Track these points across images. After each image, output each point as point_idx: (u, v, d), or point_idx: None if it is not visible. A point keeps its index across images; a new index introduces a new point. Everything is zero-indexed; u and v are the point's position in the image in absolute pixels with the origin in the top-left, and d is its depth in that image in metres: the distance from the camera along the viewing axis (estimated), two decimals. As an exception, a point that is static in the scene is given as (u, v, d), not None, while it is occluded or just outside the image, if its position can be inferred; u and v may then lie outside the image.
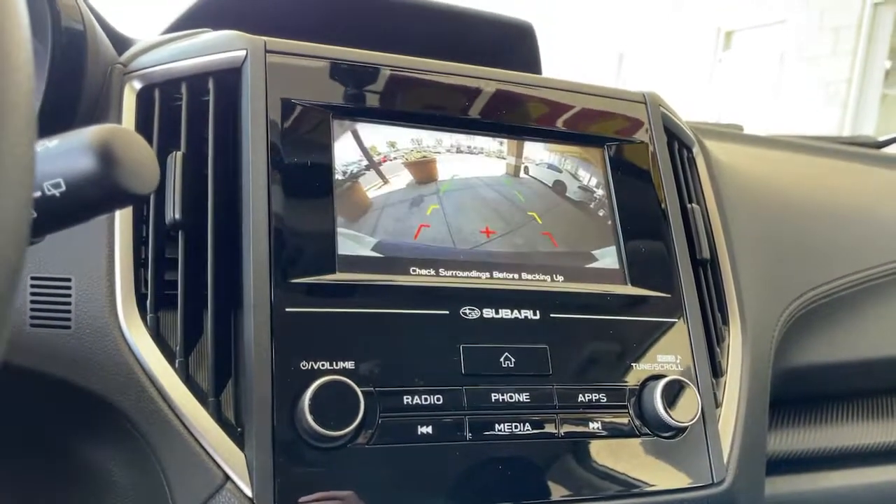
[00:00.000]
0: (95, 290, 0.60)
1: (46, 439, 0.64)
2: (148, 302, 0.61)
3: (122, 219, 0.63)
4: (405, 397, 0.60)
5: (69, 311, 0.60)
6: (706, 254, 0.77)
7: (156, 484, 0.59)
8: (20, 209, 0.30)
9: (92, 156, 0.41)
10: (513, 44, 0.98)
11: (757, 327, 0.80)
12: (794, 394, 0.87)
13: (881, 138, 1.57)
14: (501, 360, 0.63)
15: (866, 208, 1.05)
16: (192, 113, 0.66)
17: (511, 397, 0.63)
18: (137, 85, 0.67)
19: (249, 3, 0.89)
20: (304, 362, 0.58)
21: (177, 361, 0.59)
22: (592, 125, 0.75)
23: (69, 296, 0.60)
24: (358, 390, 0.56)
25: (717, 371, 0.73)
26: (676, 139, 0.82)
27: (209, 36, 0.69)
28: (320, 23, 0.87)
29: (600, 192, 0.74)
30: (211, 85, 0.66)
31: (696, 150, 0.85)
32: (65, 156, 0.41)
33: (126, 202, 0.45)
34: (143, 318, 0.60)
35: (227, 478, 0.55)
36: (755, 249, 0.85)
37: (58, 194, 0.42)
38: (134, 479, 0.62)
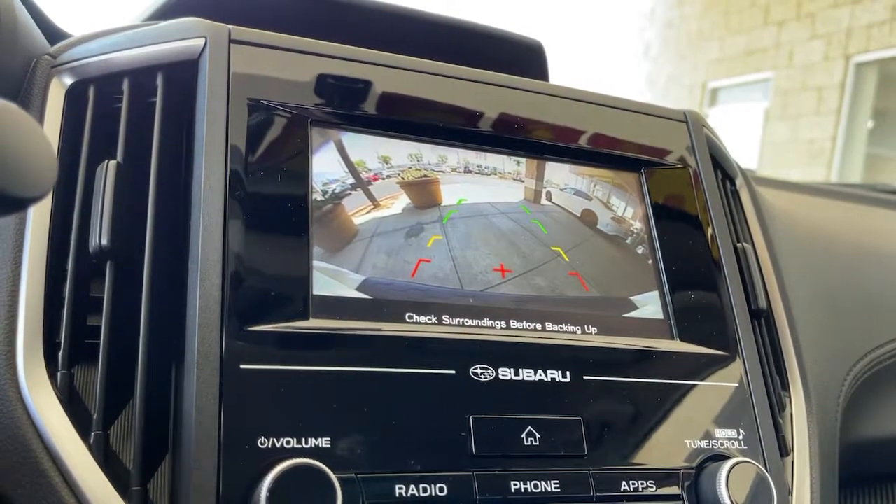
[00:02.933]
0: (-13, 337, 0.45)
1: None
2: (60, 354, 0.46)
3: (34, 244, 0.48)
4: (397, 487, 0.45)
5: None
6: (762, 303, 0.63)
7: None
8: None
9: None
10: (522, 62, 0.86)
11: (821, 393, 0.66)
12: (859, 472, 0.73)
13: (898, 186, 1.47)
14: (523, 436, 0.49)
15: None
16: (133, 116, 0.52)
17: (536, 486, 0.48)
18: (67, 80, 0.53)
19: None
20: (262, 438, 0.43)
21: (92, 436, 0.44)
22: (627, 146, 0.62)
23: None
24: (333, 478, 0.41)
25: (783, 449, 0.59)
26: (720, 167, 0.69)
27: (160, 24, 0.56)
28: (319, 27, 0.74)
29: (638, 224, 0.60)
30: (159, 81, 0.53)
31: (739, 181, 0.73)
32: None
33: (6, 208, 0.31)
34: (53, 375, 0.46)
35: None
36: (811, 301, 0.72)
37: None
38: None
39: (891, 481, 0.79)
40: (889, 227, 1.01)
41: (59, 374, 0.46)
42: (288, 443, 0.43)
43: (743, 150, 7.32)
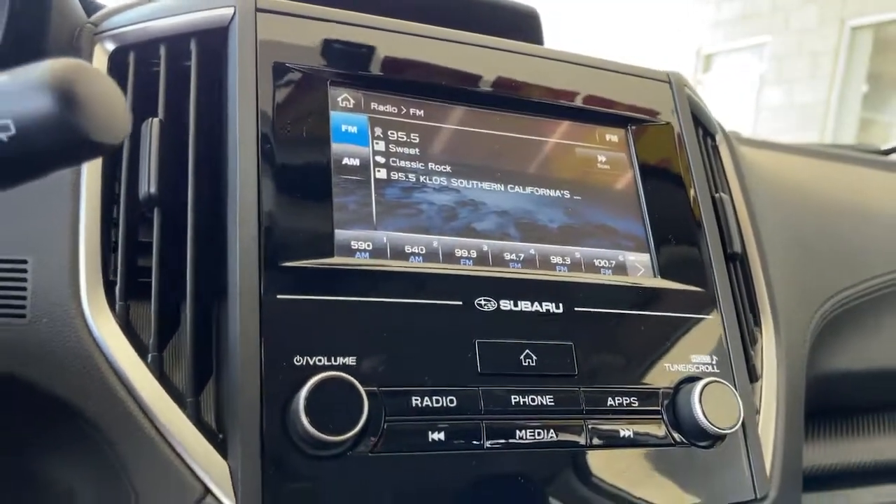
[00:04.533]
0: (56, 275, 0.52)
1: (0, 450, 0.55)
2: (117, 289, 0.53)
3: (89, 193, 0.55)
4: (414, 398, 0.52)
5: (24, 298, 0.51)
6: (737, 247, 0.70)
7: (124, 500, 0.50)
8: None
9: (48, 94, 0.34)
10: (518, 28, 0.91)
11: (789, 329, 0.73)
12: (825, 404, 0.80)
13: (884, 147, 1.54)
14: (522, 357, 0.56)
15: (890, 211, 0.99)
16: (171, 78, 0.58)
17: (533, 400, 0.55)
18: (109, 46, 0.59)
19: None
20: (297, 357, 0.50)
21: (149, 356, 0.51)
22: (615, 103, 0.69)
23: (24, 280, 0.51)
24: (361, 389, 0.48)
25: (752, 375, 0.66)
26: (701, 125, 0.75)
27: None
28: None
29: (625, 176, 0.67)
30: (193, 47, 0.58)
31: (719, 137, 0.79)
32: (15, 94, 0.34)
33: (87, 153, 0.37)
34: (112, 306, 0.52)
35: (208, 490, 0.47)
36: (784, 247, 0.79)
37: (5, 138, 0.34)
38: (99, 497, 0.53)
39: (857, 414, 0.86)
40: (863, 183, 1.08)
41: (117, 306, 0.52)
42: (320, 360, 0.50)
43: (738, 116, 7.35)
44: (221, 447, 0.49)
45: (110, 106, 0.36)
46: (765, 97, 7.48)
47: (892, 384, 0.84)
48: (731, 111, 7.44)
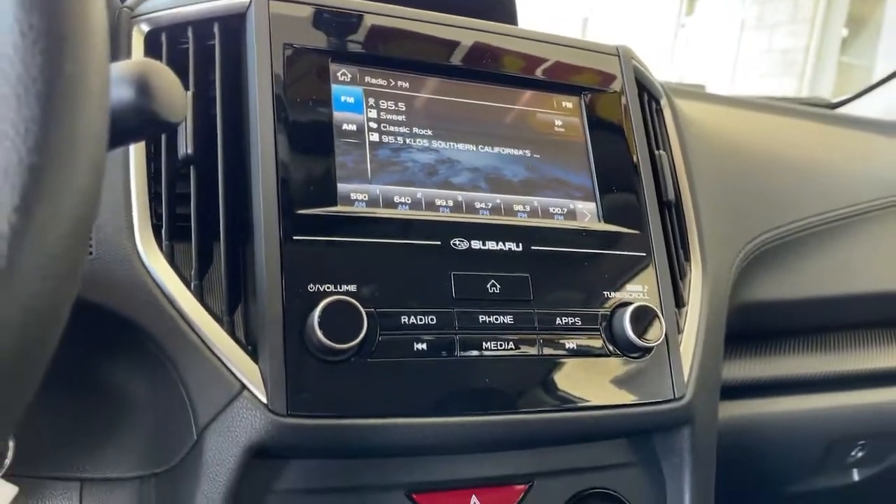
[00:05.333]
0: (114, 220, 0.65)
1: (71, 362, 0.68)
2: (163, 231, 0.66)
3: (136, 155, 0.67)
4: (402, 317, 0.66)
5: (90, 238, 0.64)
6: (671, 196, 0.84)
7: (175, 399, 0.64)
8: (103, 111, 0.35)
9: (131, 87, 0.45)
10: (493, 10, 1.03)
11: (716, 265, 0.87)
12: (748, 329, 0.95)
13: (834, 100, 1.67)
14: (488, 286, 0.70)
15: (819, 162, 1.13)
16: (198, 56, 0.70)
17: (497, 319, 0.69)
18: (145, 28, 0.71)
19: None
20: (311, 285, 0.63)
21: (192, 285, 0.64)
22: (570, 75, 0.81)
23: None
24: (361, 309, 0.62)
25: (679, 302, 0.81)
26: (646, 91, 0.88)
27: None
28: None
29: (578, 137, 0.80)
30: (216, 30, 0.70)
31: (663, 101, 0.92)
32: (104, 86, 0.46)
33: (159, 129, 0.49)
34: (159, 245, 0.65)
35: (244, 387, 0.61)
36: (716, 195, 0.92)
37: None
38: (154, 395, 0.67)
39: (774, 337, 1.02)
40: (800, 136, 1.22)
41: (163, 245, 0.65)
42: (328, 288, 0.64)
43: (718, 63, 7.42)
44: (252, 355, 0.63)
45: (174, 93, 0.48)
46: (746, 41, 7.54)
47: (804, 312, 1.00)
48: (712, 56, 7.51)
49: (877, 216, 1.08)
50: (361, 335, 0.61)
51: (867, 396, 1.03)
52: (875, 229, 1.08)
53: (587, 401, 0.71)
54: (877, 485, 1.18)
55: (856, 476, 1.12)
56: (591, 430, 0.72)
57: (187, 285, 0.64)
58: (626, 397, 0.73)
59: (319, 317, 0.61)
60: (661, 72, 0.94)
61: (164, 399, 0.66)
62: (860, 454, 1.06)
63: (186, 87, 0.69)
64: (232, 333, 0.64)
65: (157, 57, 0.70)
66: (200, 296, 0.64)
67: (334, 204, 0.67)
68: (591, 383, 0.72)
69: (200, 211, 0.66)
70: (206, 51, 0.70)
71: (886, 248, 1.07)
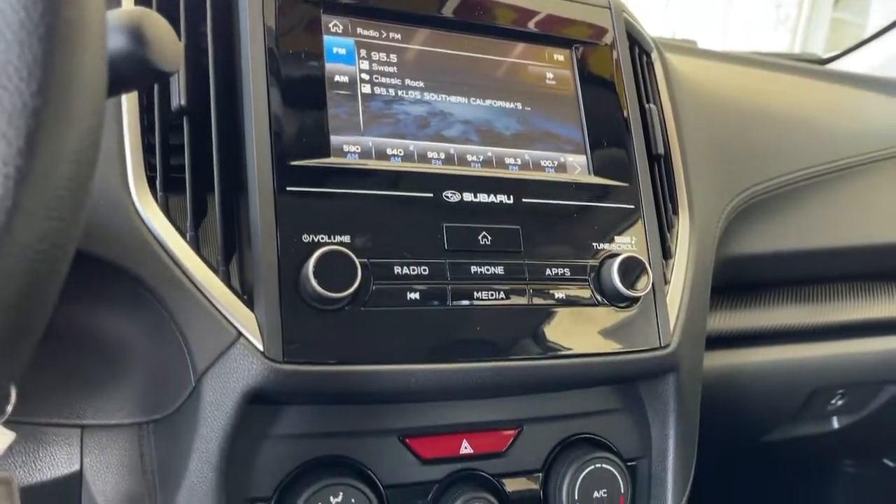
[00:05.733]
0: (108, 171, 0.65)
1: (70, 312, 0.69)
2: (157, 182, 0.66)
3: (129, 107, 0.67)
4: (395, 268, 0.67)
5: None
6: (661, 150, 0.85)
7: (172, 347, 0.66)
8: (101, 55, 0.35)
9: (125, 35, 0.46)
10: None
11: (703, 218, 0.89)
12: (733, 281, 0.97)
13: (825, 55, 1.67)
14: (479, 238, 0.71)
15: (807, 117, 1.14)
16: (189, 6, 0.69)
17: (488, 270, 0.70)
18: None
19: None
20: (305, 235, 0.64)
21: (188, 235, 0.65)
22: (562, 28, 0.81)
23: None
24: (355, 259, 0.63)
25: (666, 253, 0.83)
26: (637, 44, 0.88)
27: None
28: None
29: (569, 90, 0.80)
30: None
31: (654, 55, 0.92)
32: (98, 35, 0.46)
33: (154, 79, 0.49)
34: (154, 196, 0.66)
35: (240, 334, 0.62)
36: (705, 149, 0.93)
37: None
38: (152, 344, 0.68)
39: (757, 290, 1.04)
40: (790, 90, 1.23)
41: (158, 195, 0.66)
42: (323, 238, 0.65)
43: (710, 17, 7.34)
44: (248, 304, 0.64)
45: (168, 42, 0.48)
46: (739, -3, 7.46)
47: (789, 265, 1.02)
48: (704, 10, 7.43)
49: (863, 170, 1.10)
50: (355, 285, 0.63)
51: (848, 346, 1.06)
52: (861, 183, 1.09)
53: (575, 349, 0.73)
54: (854, 433, 1.22)
55: (835, 424, 1.16)
56: (578, 377, 0.74)
57: (183, 235, 0.65)
58: (613, 345, 0.75)
59: (314, 267, 0.62)
60: (653, 27, 0.94)
61: (162, 347, 0.67)
62: (840, 402, 1.10)
63: (178, 38, 0.68)
64: (227, 282, 0.65)
65: (148, 5, 0.69)
66: (196, 245, 0.65)
67: (327, 155, 0.68)
68: (580, 332, 0.74)
69: (194, 162, 0.67)
70: (198, 5, 0.70)
71: (872, 201, 1.09)
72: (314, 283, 0.61)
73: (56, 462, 0.69)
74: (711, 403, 0.89)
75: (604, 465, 0.77)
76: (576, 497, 0.75)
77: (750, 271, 0.99)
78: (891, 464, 1.66)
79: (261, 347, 0.62)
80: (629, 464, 0.80)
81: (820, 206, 1.05)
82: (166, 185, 0.67)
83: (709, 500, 0.94)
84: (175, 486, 0.64)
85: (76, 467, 0.69)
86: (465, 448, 0.74)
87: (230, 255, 0.66)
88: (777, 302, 1.03)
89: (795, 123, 1.10)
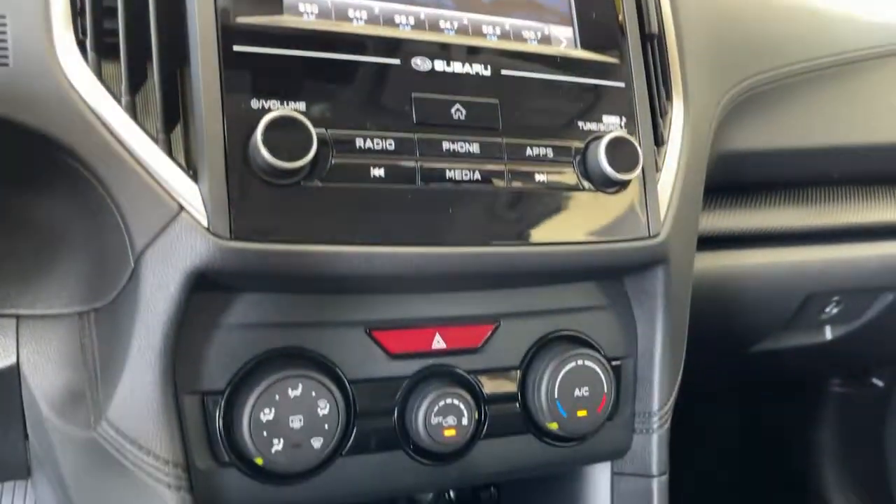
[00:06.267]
0: (32, 29, 0.57)
1: (3, 191, 0.62)
2: (88, 41, 0.58)
3: None
4: (357, 140, 0.60)
5: (5, 48, 0.57)
6: (654, 29, 0.77)
7: (108, 226, 0.59)
8: None
9: None
10: None
11: (699, 106, 0.82)
12: (728, 180, 0.91)
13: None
14: (452, 111, 0.64)
15: (811, 7, 1.06)
16: None
17: (461, 147, 0.64)
18: None
19: None
20: (254, 101, 0.57)
21: (122, 100, 0.58)
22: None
23: (4, 32, 0.57)
24: (310, 127, 0.56)
25: (658, 140, 0.76)
26: None
27: None
28: None
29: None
30: None
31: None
32: None
33: None
34: (85, 60, 0.58)
35: (182, 208, 0.56)
36: (703, 35, 0.86)
37: None
38: (87, 225, 0.62)
39: (752, 190, 0.98)
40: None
41: (89, 57, 0.58)
42: (274, 104, 0.58)
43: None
44: (193, 178, 0.57)
45: None
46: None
47: (787, 163, 0.95)
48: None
49: (868, 66, 1.03)
50: (310, 155, 0.56)
51: (845, 251, 1.01)
52: (866, 79, 1.02)
53: (557, 236, 0.67)
54: (846, 346, 1.18)
55: (828, 334, 1.11)
56: (561, 267, 0.68)
57: (118, 101, 0.58)
58: (598, 234, 0.69)
59: (263, 133, 0.55)
60: None
61: (98, 228, 0.61)
62: (835, 311, 1.05)
63: None
64: (168, 153, 0.58)
65: None
66: (133, 112, 0.58)
67: (279, 13, 0.60)
68: (562, 218, 0.68)
69: (129, 23, 0.59)
70: None
71: (876, 99, 1.02)
72: (263, 151, 0.55)
73: (-11, 354, 0.63)
74: (701, 308, 0.84)
75: (586, 363, 0.72)
76: (555, 395, 0.70)
77: (745, 169, 0.93)
78: (879, 383, 1.64)
79: (205, 223, 0.56)
80: (613, 363, 0.75)
81: (821, 101, 0.98)
82: (98, 48, 0.59)
83: (693, 416, 0.90)
84: (117, 377, 0.59)
85: (12, 360, 0.63)
86: (438, 343, 0.69)
87: (172, 124, 0.59)
88: (773, 203, 0.97)
89: (799, 14, 1.02)
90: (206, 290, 0.59)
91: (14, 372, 0.63)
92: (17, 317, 0.63)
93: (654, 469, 0.77)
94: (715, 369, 1.05)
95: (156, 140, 0.57)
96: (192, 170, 0.58)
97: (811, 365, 1.32)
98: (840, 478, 1.71)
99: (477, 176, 0.64)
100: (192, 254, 0.55)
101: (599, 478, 0.81)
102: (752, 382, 1.53)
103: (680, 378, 0.79)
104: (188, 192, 0.56)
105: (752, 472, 1.73)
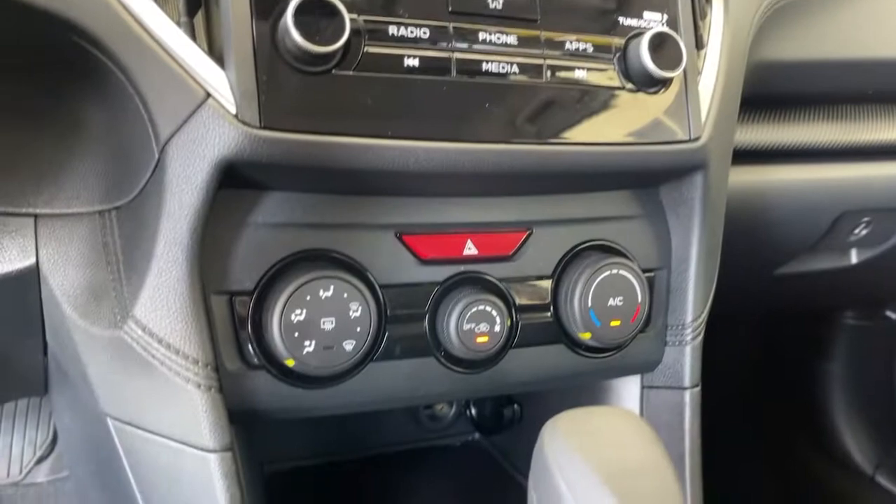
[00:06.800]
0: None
1: (13, 86, 0.59)
2: None
3: None
4: (391, 28, 0.57)
5: None
6: None
7: (131, 117, 0.56)
8: None
9: None
10: None
11: (738, 10, 0.78)
12: (764, 92, 0.87)
13: None
14: (489, 0, 0.60)
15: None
16: None
17: (498, 38, 0.60)
18: None
19: None
20: None
21: None
22: None
23: None
24: (342, 9, 0.53)
25: (699, 43, 0.72)
26: None
27: None
28: None
29: None
30: None
31: None
32: None
33: None
34: None
35: (208, 95, 0.53)
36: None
37: None
38: (108, 116, 0.59)
39: (786, 104, 0.94)
40: None
41: None
42: None
43: None
44: (219, 62, 0.54)
45: None
46: None
47: (825, 76, 0.92)
48: None
49: (910, -24, 0.98)
50: (343, 39, 0.53)
51: (880, 169, 0.97)
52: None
53: (595, 137, 0.64)
54: (868, 272, 1.16)
55: (853, 258, 1.09)
56: (596, 169, 0.66)
57: None
58: (637, 135, 0.66)
59: (293, 13, 0.52)
60: None
61: (117, 119, 0.58)
62: (864, 232, 1.03)
63: None
64: (193, 37, 0.54)
65: None
66: None
67: None
68: (600, 119, 0.64)
69: None
70: None
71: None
72: (294, 33, 0.51)
73: (7, 255, 0.61)
74: (730, 224, 0.81)
75: (621, 272, 0.70)
76: (589, 304, 0.69)
77: (781, 81, 0.89)
78: (893, 315, 1.63)
79: (233, 110, 0.53)
80: (647, 274, 0.73)
81: (862, 13, 0.94)
82: None
83: (714, 335, 0.88)
84: (142, 275, 0.57)
85: (31, 261, 0.61)
86: (470, 249, 0.67)
87: (194, 8, 0.56)
88: (808, 119, 0.94)
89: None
90: (233, 186, 0.57)
91: (34, 273, 0.61)
92: (36, 216, 0.61)
93: (687, 381, 0.75)
94: (737, 291, 1.02)
95: (178, 23, 0.54)
96: (216, 56, 0.55)
97: (831, 293, 1.30)
98: (849, 410, 1.72)
99: (514, 69, 0.61)
100: (220, 143, 0.53)
101: (629, 392, 0.80)
102: (768, 310, 1.52)
103: (714, 288, 0.77)
104: (214, 78, 0.53)
105: (761, 400, 1.73)
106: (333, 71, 0.55)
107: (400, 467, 1.01)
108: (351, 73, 0.55)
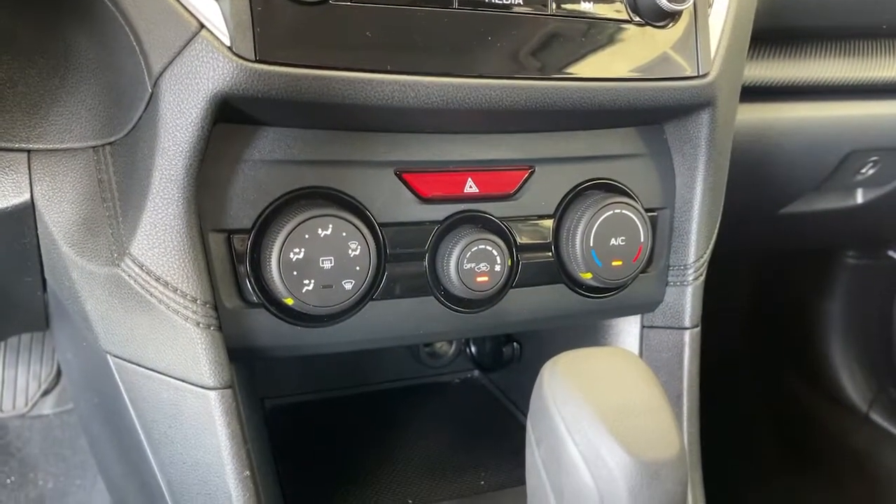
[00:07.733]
0: None
1: (3, 8, 0.57)
2: None
3: None
4: None
5: None
6: None
7: (123, 50, 0.54)
8: None
9: None
10: None
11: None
12: (773, 27, 0.85)
13: None
14: None
15: None
16: None
17: None
18: None
19: None
20: None
21: None
22: None
23: None
24: None
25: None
26: None
27: None
28: None
29: None
30: None
31: None
32: None
33: None
34: None
35: (202, 26, 0.51)
36: None
37: None
38: (99, 50, 0.57)
39: (796, 40, 0.91)
40: None
41: None
42: None
43: None
44: (211, -8, 0.52)
45: None
46: None
47: (835, 10, 0.89)
48: None
49: None
50: None
51: (890, 107, 0.95)
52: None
53: (601, 72, 0.62)
54: (872, 212, 1.15)
55: (859, 197, 1.08)
56: (603, 104, 0.64)
57: None
58: (644, 71, 0.64)
59: None
60: None
61: (108, 52, 0.56)
62: (871, 171, 1.01)
63: None
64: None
65: None
66: None
67: None
68: (608, 53, 0.63)
69: None
70: None
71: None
72: (289, -41, 0.49)
73: (1, 191, 0.60)
74: (739, 161, 0.80)
75: (623, 211, 0.69)
76: (591, 244, 0.68)
77: (791, 14, 0.87)
78: (895, 254, 1.63)
79: (227, 42, 0.51)
80: (650, 214, 0.72)
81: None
82: None
83: (714, 274, 0.87)
84: (138, 212, 0.56)
85: (25, 196, 0.60)
86: (471, 187, 0.66)
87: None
88: (818, 55, 0.91)
89: None
90: (229, 121, 0.55)
91: (29, 208, 0.60)
92: (28, 151, 0.60)
93: (688, 321, 0.75)
94: (740, 231, 1.02)
95: (168, -50, 0.52)
96: (210, -14, 0.53)
97: (835, 232, 1.30)
98: (845, 348, 1.73)
99: (519, 0, 0.59)
100: (215, 76, 0.51)
101: (628, 331, 0.80)
102: (769, 249, 1.51)
103: (717, 229, 0.77)
104: (208, 9, 0.51)
105: (759, 339, 1.75)
106: (330, 0, 0.53)
107: (399, 403, 1.02)
108: (348, 2, 0.53)
